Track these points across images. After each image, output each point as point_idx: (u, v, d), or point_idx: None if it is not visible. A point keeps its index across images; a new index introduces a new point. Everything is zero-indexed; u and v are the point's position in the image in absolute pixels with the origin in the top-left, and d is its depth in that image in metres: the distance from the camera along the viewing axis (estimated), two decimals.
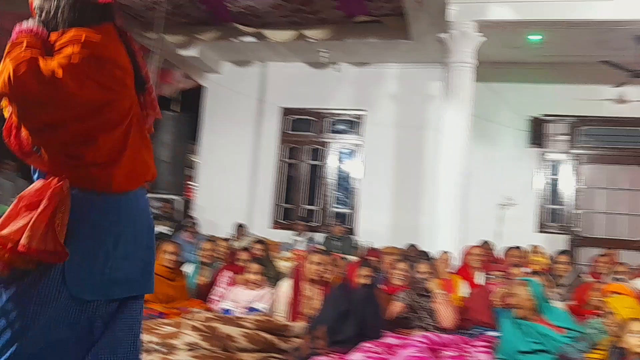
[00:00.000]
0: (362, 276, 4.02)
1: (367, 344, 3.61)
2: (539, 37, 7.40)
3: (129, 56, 1.89)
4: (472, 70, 6.63)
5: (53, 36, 1.79)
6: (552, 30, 6.97)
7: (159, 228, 8.13)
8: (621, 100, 8.00)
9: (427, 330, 4.12)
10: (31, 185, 1.79)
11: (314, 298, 4.45)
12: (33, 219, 1.66)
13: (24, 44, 1.71)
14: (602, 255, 6.70)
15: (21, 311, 1.68)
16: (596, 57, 7.53)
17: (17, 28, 1.78)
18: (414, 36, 7.73)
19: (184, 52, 8.90)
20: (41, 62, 1.65)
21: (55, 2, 1.83)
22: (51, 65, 1.66)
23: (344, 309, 3.87)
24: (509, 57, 8.14)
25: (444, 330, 4.10)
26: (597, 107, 8.28)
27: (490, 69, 7.88)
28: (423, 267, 4.56)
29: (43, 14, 1.84)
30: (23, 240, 1.64)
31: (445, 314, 4.17)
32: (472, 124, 6.76)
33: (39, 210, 1.67)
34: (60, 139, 1.74)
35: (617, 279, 5.18)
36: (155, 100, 2.06)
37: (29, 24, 1.81)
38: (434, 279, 4.43)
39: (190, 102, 10.41)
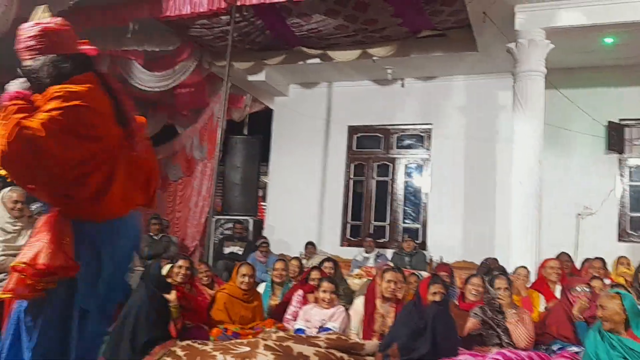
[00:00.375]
0: (433, 293, 3.98)
1: None
2: (612, 39, 7.12)
3: (111, 97, 2.10)
4: (542, 78, 6.46)
5: (38, 95, 1.98)
6: (626, 32, 6.68)
7: (231, 249, 8.37)
8: None
9: (503, 347, 4.02)
10: (38, 219, 2.17)
11: (386, 316, 4.44)
12: (45, 244, 2.01)
13: (11, 110, 1.91)
14: None
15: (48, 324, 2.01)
16: None
17: (5, 94, 2.00)
18: (480, 47, 7.64)
19: (252, 77, 9.18)
20: (25, 124, 1.86)
21: (40, 61, 2.02)
22: (33, 125, 1.86)
23: (416, 326, 3.84)
24: (581, 62, 7.86)
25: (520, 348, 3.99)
26: None
27: (562, 75, 7.67)
28: (499, 282, 4.45)
29: (28, 74, 2.04)
30: (41, 260, 1.97)
31: (519, 334, 4.06)
32: (546, 133, 6.57)
33: (48, 237, 2.02)
34: (50, 189, 2.04)
35: None
36: (142, 129, 2.29)
37: (15, 86, 2.03)
38: (508, 296, 4.31)
39: (259, 125, 10.70)
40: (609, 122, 8.09)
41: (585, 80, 8.16)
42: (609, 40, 7.12)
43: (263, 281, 5.60)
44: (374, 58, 8.06)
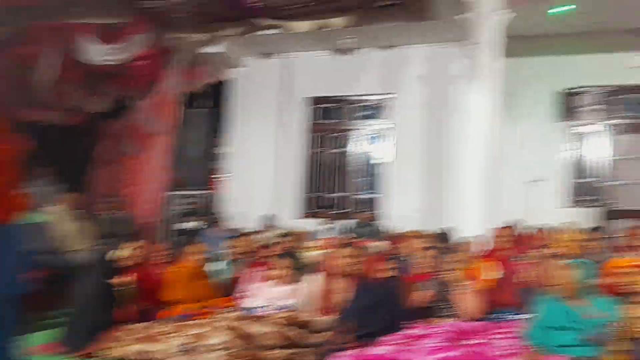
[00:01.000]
0: (385, 269, 4.04)
1: (391, 336, 3.65)
2: (571, 6, 7.17)
3: None
4: (498, 47, 6.48)
5: None
6: None
7: (189, 224, 8.31)
8: None
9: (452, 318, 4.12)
10: None
11: (343, 291, 4.49)
12: None
13: None
14: (637, 227, 6.54)
15: None
16: (629, 25, 7.31)
17: None
18: (438, 16, 7.60)
19: (209, 49, 8.99)
20: None
21: None
22: None
23: (371, 302, 3.91)
24: (538, 30, 7.88)
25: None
26: (630, 75, 7.98)
27: (518, 43, 7.67)
28: (450, 255, 4.54)
29: None
30: None
31: (467, 306, 4.16)
32: (501, 102, 6.65)
33: None
34: None
35: None
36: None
37: None
38: (458, 270, 4.40)
39: (216, 98, 10.51)
40: (561, 90, 8.23)
41: (542, 48, 8.23)
42: (566, 7, 7.17)
43: (218, 258, 5.58)
44: (332, 28, 7.97)
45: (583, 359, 3.32)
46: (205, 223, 8.19)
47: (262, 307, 4.43)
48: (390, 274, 4.08)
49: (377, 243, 6.47)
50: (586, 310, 3.54)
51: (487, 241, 6.03)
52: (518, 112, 8.26)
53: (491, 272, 5.07)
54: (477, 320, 4.10)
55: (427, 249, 5.01)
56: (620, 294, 3.75)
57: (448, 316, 4.23)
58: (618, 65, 7.94)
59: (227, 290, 4.99)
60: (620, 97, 8.32)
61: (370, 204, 9.18)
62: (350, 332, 3.85)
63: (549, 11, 7.19)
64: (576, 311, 3.56)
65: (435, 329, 3.72)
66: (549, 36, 8.07)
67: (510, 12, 6.41)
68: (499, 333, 3.72)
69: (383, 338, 3.63)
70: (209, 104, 10.62)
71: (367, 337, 3.74)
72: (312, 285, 4.68)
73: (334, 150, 9.60)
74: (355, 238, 6.98)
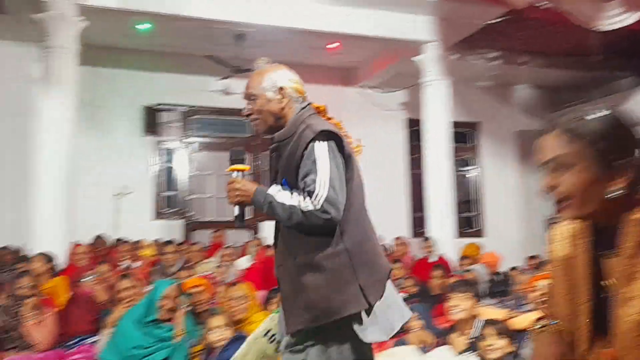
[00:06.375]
0: None
1: None
2: (148, 25, 7.39)
3: None
4: (74, 54, 6.17)
5: None
6: (160, 21, 7.04)
7: None
8: (226, 92, 8.58)
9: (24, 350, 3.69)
10: None
11: None
12: None
13: None
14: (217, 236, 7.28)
15: None
16: (203, 50, 7.96)
17: None
18: (10, 10, 6.84)
19: None
20: None
21: None
22: None
23: None
24: (119, 43, 7.95)
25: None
26: (207, 97, 8.68)
27: (99, 54, 7.58)
28: (24, 280, 4.05)
29: None
30: None
31: (37, 336, 3.78)
32: (81, 112, 6.37)
33: None
34: None
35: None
36: None
37: None
38: (32, 296, 3.96)
39: None
40: (145, 106, 8.45)
41: (124, 62, 8.29)
42: (144, 26, 7.37)
43: None
44: None
45: None
46: None
47: None
48: None
49: None
50: (169, 328, 3.62)
51: (65, 258, 5.66)
52: (105, 124, 8.12)
53: (64, 293, 4.75)
54: (48, 349, 3.75)
55: None
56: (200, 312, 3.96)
57: (16, 349, 3.76)
58: (196, 87, 8.56)
59: None
60: (197, 117, 9.01)
61: None
62: None
63: (135, 26, 7.28)
64: (156, 330, 3.60)
65: None
66: (134, 51, 8.20)
67: (84, 20, 6.17)
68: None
69: None
70: None
71: None
72: None
73: None
74: None
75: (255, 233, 8.29)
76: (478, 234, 9.89)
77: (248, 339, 2.71)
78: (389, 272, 2.10)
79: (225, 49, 7.81)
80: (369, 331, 1.94)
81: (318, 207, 1.89)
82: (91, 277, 4.46)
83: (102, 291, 4.29)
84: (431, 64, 7.60)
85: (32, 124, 7.49)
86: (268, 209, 1.97)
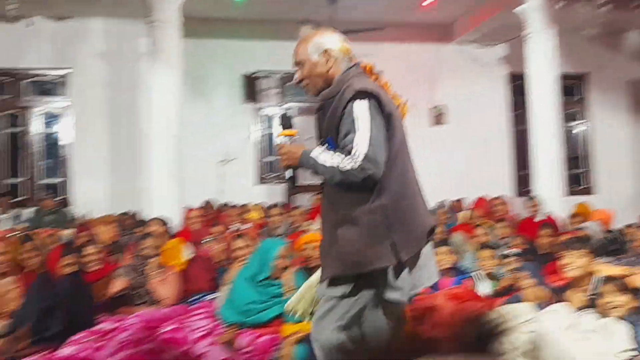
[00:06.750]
0: (65, 264, 3.66)
1: (79, 335, 3.35)
2: None
3: None
4: (177, 28, 6.44)
5: None
6: None
7: None
8: None
9: (152, 305, 3.99)
10: None
11: (11, 292, 3.94)
12: None
13: None
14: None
15: None
16: (298, 16, 7.97)
17: None
18: None
19: None
20: None
21: None
22: None
23: (48, 303, 3.50)
24: (217, 14, 8.16)
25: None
26: None
27: (200, 26, 7.80)
28: (148, 242, 4.35)
29: None
30: None
31: (163, 293, 4.07)
32: (187, 83, 6.64)
33: None
34: None
35: None
36: None
37: None
38: (153, 254, 4.25)
39: None
40: (243, 74, 8.67)
41: (223, 32, 8.53)
42: None
43: None
44: None
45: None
46: None
47: None
48: (69, 270, 3.69)
49: (65, 232, 5.91)
50: (280, 285, 3.76)
51: (179, 222, 6.02)
52: (207, 94, 8.44)
53: (184, 254, 5.07)
54: (173, 305, 4.03)
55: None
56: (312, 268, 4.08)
57: (145, 304, 4.07)
58: (292, 52, 8.62)
59: None
60: (293, 82, 9.11)
61: (54, 189, 8.33)
62: (25, 338, 3.41)
63: None
64: (269, 287, 3.75)
65: (126, 322, 3.52)
66: (231, 20, 8.40)
67: None
68: (195, 315, 3.71)
69: (72, 338, 3.31)
70: None
71: (47, 341, 3.37)
72: None
73: (10, 130, 8.40)
74: (32, 228, 6.29)
75: None
76: (587, 191, 9.42)
77: (304, 285, 2.75)
78: (428, 231, 2.11)
79: (319, 13, 7.81)
80: (390, 291, 1.99)
81: (356, 165, 1.92)
82: (211, 238, 4.72)
83: (220, 251, 4.53)
84: (534, 14, 7.21)
85: (142, 98, 7.99)
86: (313, 171, 2.04)
